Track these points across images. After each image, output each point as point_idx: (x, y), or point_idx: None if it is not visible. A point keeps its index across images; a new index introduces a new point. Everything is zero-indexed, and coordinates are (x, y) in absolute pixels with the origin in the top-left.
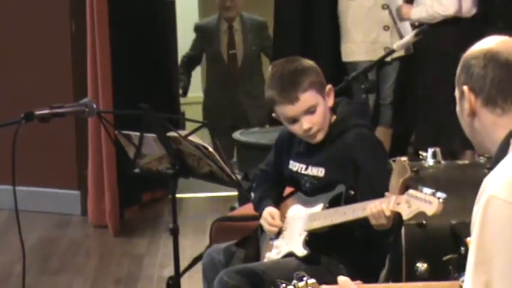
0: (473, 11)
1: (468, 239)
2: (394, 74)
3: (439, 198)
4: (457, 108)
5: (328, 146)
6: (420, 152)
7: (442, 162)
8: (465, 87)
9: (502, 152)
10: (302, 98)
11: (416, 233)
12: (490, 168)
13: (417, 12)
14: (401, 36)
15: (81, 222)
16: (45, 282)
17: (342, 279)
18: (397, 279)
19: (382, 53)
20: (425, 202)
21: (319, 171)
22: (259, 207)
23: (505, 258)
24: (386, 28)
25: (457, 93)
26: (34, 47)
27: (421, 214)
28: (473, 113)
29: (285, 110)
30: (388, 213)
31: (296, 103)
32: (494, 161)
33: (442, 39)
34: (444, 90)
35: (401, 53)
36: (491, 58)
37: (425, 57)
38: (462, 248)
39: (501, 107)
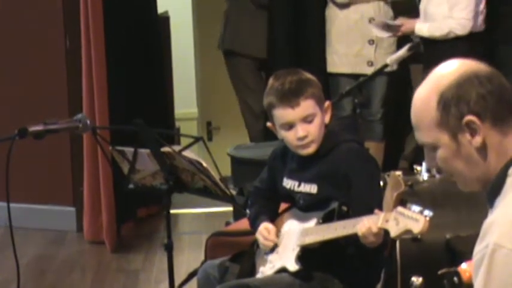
0: (483, 26)
1: (462, 266)
2: (382, 89)
3: (425, 216)
4: (446, 153)
5: (320, 161)
6: (415, 166)
7: (437, 176)
8: (469, 117)
9: (499, 181)
10: (302, 105)
11: (411, 247)
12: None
13: (424, 28)
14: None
15: (77, 238)
16: None
17: None
18: None
19: (364, 66)
20: (412, 220)
21: (311, 188)
22: (255, 224)
23: None
24: (371, 42)
25: (442, 139)
26: (29, 63)
27: (408, 232)
28: (482, 142)
29: (284, 114)
30: (375, 230)
31: (296, 108)
32: (491, 189)
33: (456, 53)
34: None
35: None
36: (477, 77)
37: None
38: (455, 279)
39: (507, 124)
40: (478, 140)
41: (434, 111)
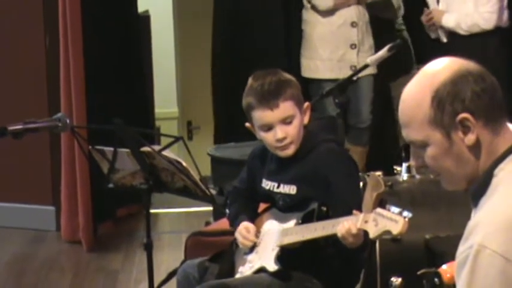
0: (508, 22)
1: (443, 267)
2: (368, 94)
3: (405, 217)
4: (436, 151)
5: (299, 162)
6: (394, 167)
7: (417, 176)
8: (464, 115)
9: (485, 181)
10: (282, 106)
11: (391, 248)
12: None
13: (451, 19)
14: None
15: (56, 238)
16: None
17: None
18: None
19: (348, 71)
20: (392, 221)
21: (291, 189)
22: (234, 223)
23: None
24: (353, 46)
25: (434, 136)
26: (8, 62)
27: (387, 233)
28: (475, 140)
29: (263, 116)
30: (354, 231)
31: (275, 109)
32: (476, 188)
33: (487, 48)
34: None
35: (370, 71)
36: (471, 75)
37: None
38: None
39: (498, 123)
40: (471, 138)
41: (427, 109)
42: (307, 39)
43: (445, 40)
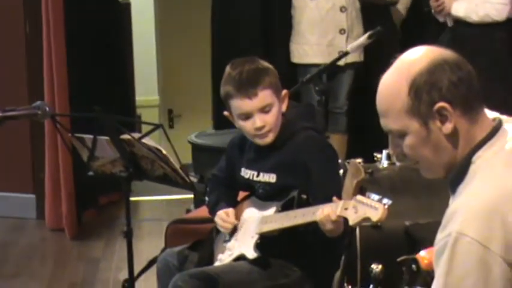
0: None
1: (421, 253)
2: (349, 80)
3: (384, 204)
4: (414, 140)
5: (278, 150)
6: (375, 154)
7: (397, 164)
8: (441, 104)
9: (463, 168)
10: (260, 95)
11: (371, 235)
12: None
13: (461, 8)
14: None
15: (37, 226)
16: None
17: None
18: (351, 280)
19: (336, 56)
20: (371, 208)
21: (270, 177)
22: (214, 210)
23: None
24: (342, 31)
25: (411, 126)
26: None
27: (367, 220)
28: (453, 128)
29: (241, 104)
30: (334, 217)
31: (254, 98)
32: (454, 175)
33: (494, 39)
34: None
35: (355, 58)
36: (448, 64)
37: (472, 58)
38: (413, 266)
39: (476, 111)
40: (448, 126)
41: (404, 98)
42: (295, 26)
43: (449, 24)
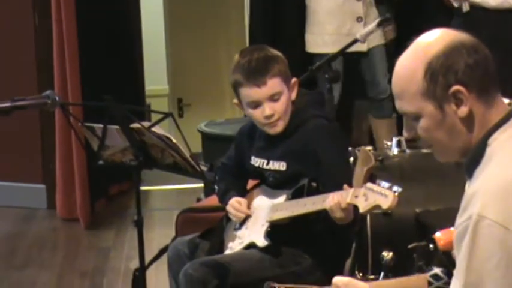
0: None
1: (437, 234)
2: (383, 64)
3: (394, 192)
4: (429, 123)
5: (288, 138)
6: (385, 141)
7: (407, 151)
8: (456, 87)
9: (478, 151)
10: (269, 83)
11: (382, 222)
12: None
13: None
14: None
15: (47, 216)
16: (10, 277)
17: (343, 280)
18: (362, 268)
19: (357, 44)
20: (381, 195)
21: (280, 165)
22: (224, 198)
23: (496, 282)
24: (359, 19)
25: (427, 108)
26: None
27: (377, 207)
28: (468, 112)
29: (250, 93)
30: (344, 205)
31: (263, 87)
32: (470, 159)
33: (510, 26)
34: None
35: (378, 41)
36: (465, 47)
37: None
38: (431, 246)
39: (491, 95)
40: (464, 110)
41: (420, 81)
42: (311, 16)
43: (464, 10)
